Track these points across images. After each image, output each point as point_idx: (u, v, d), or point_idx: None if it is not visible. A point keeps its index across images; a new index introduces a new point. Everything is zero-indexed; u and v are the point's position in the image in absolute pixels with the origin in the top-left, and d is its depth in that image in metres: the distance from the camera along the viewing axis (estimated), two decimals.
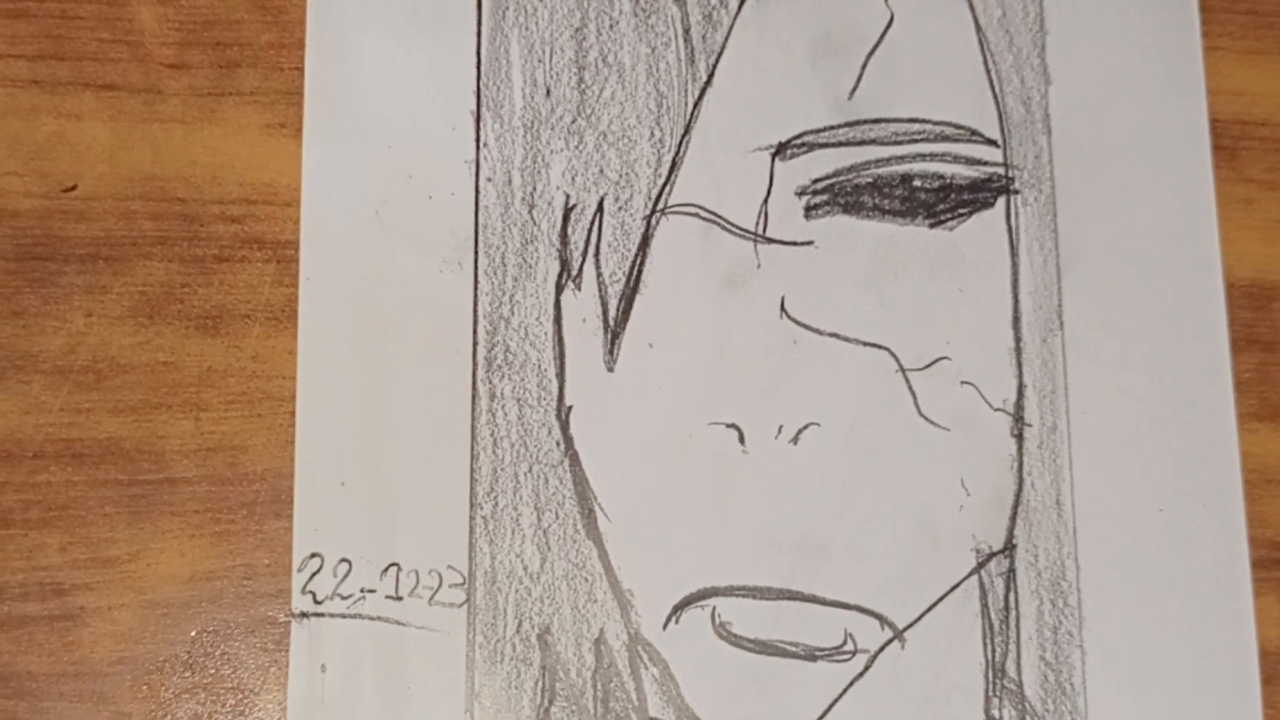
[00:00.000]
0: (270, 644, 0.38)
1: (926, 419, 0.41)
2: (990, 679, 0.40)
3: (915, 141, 0.43)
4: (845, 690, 0.39)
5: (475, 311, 0.41)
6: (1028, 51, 0.44)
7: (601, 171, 0.42)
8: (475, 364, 0.40)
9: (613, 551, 0.40)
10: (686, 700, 0.39)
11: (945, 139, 0.43)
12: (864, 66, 0.43)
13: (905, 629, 0.40)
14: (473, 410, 0.40)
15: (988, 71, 0.44)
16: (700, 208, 0.42)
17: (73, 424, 0.39)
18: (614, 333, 0.41)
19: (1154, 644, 0.40)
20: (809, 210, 0.42)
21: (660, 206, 0.42)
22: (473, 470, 0.40)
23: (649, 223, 0.42)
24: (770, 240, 0.42)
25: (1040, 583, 0.40)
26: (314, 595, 0.39)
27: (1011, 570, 0.40)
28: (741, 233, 0.42)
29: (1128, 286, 0.43)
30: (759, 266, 0.42)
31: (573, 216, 0.41)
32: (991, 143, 0.43)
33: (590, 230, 0.41)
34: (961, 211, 0.42)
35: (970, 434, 0.41)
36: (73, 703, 0.37)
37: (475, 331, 0.41)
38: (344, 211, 0.41)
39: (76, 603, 0.38)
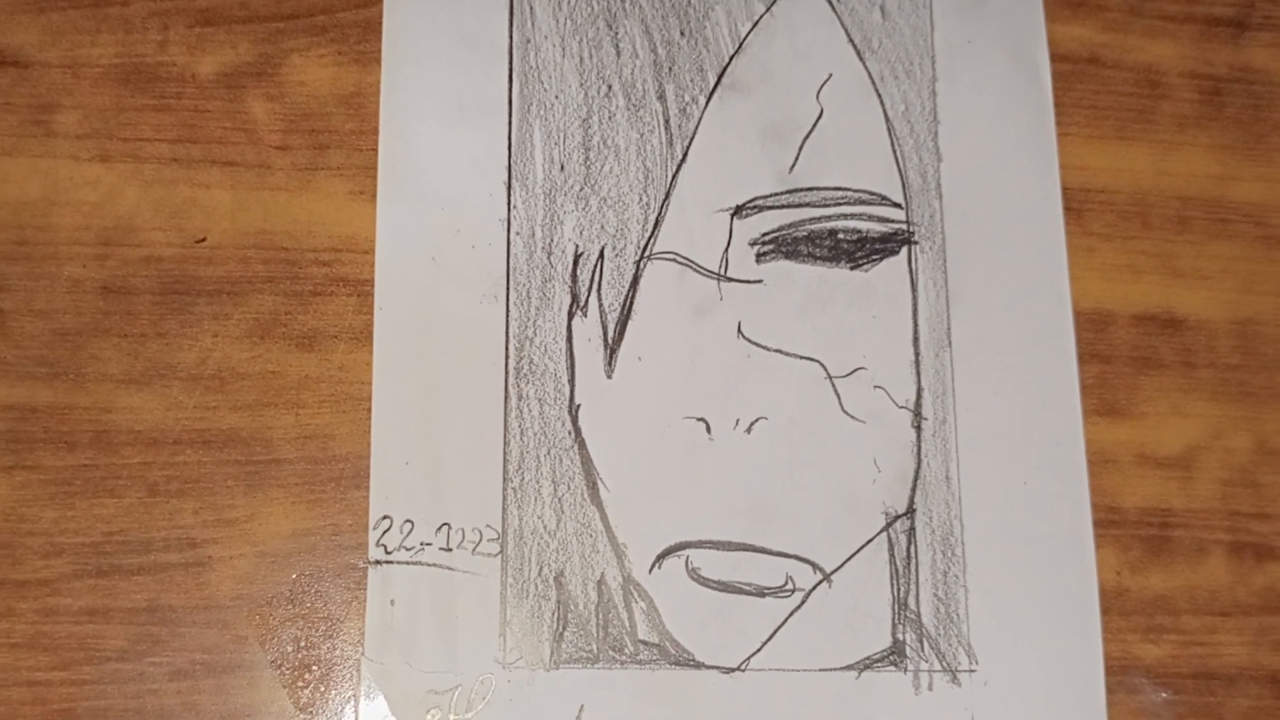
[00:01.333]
0: (352, 584, 0.41)
1: (848, 414, 0.43)
2: (896, 610, 0.42)
3: (840, 205, 0.44)
4: (786, 619, 0.42)
5: (507, 333, 0.43)
6: (924, 137, 0.46)
7: (602, 227, 0.44)
8: (507, 373, 0.42)
9: (611, 514, 0.42)
10: (667, 627, 0.41)
11: (862, 203, 0.45)
12: (800, 147, 0.45)
13: (832, 572, 0.42)
14: (505, 408, 0.42)
15: (894, 151, 0.46)
16: (677, 255, 0.44)
17: (203, 418, 0.41)
18: (612, 349, 0.43)
19: (1020, 584, 0.43)
20: (759, 256, 0.44)
21: (647, 254, 0.44)
22: (505, 453, 0.42)
23: (638, 266, 0.43)
24: (730, 279, 0.44)
25: (934, 538, 0.43)
26: (385, 548, 0.41)
27: (912, 529, 0.43)
28: (708, 274, 0.44)
29: (1000, 314, 0.45)
30: (721, 299, 0.44)
31: (580, 261, 0.43)
32: (897, 205, 0.45)
33: (594, 272, 0.43)
34: (874, 257, 0.44)
35: (881, 426, 0.43)
36: (203, 629, 0.40)
37: (507, 348, 0.43)
38: (408, 258, 0.43)
39: (206, 553, 0.41)
